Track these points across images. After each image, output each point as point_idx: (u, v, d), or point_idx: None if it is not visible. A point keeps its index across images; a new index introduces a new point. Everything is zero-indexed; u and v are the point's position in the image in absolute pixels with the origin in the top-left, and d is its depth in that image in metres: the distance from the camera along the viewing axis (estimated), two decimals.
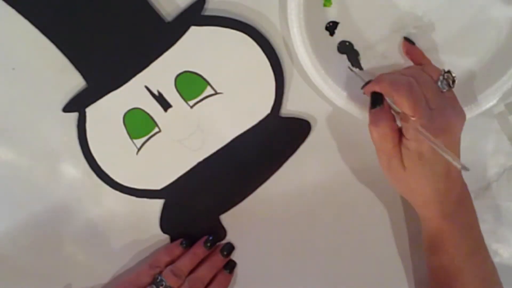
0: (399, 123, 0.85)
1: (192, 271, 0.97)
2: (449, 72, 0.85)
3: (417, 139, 0.81)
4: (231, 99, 0.94)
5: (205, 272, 0.97)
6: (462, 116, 0.85)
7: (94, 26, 0.90)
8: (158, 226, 1.00)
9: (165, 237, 1.01)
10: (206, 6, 0.90)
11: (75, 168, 0.97)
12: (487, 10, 0.90)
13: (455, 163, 0.77)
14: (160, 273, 0.94)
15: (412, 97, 0.80)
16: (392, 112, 0.86)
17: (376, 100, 0.85)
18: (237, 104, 0.95)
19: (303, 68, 0.90)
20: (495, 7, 0.90)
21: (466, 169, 0.76)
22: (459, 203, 0.88)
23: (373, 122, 0.85)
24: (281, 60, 0.93)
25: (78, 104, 0.93)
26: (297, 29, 0.88)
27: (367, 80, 0.88)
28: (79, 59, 0.91)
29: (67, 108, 0.93)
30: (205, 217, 1.01)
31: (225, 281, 1.00)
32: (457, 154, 0.86)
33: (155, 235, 1.00)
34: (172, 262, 0.97)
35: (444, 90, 0.84)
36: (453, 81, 0.85)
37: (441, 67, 0.88)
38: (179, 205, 1.00)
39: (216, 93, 0.94)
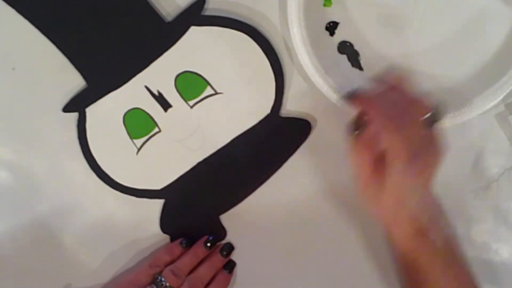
0: None
1: (192, 271, 0.97)
2: (436, 111, 0.84)
3: (397, 176, 0.81)
4: (231, 99, 0.94)
5: (204, 272, 0.97)
6: (440, 158, 0.84)
7: (94, 26, 0.90)
8: (158, 226, 1.00)
9: (165, 237, 1.00)
10: (206, 6, 0.91)
11: (75, 168, 0.97)
12: (487, 10, 0.90)
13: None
14: (160, 272, 0.94)
15: (401, 140, 0.80)
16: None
17: (361, 123, 0.84)
18: (237, 104, 0.95)
19: (303, 68, 0.90)
20: (495, 7, 0.90)
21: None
22: (431, 221, 0.88)
23: (355, 148, 0.86)
24: (281, 60, 0.93)
25: (78, 104, 0.94)
26: (297, 29, 0.88)
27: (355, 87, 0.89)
28: (79, 59, 0.92)
29: (67, 108, 0.94)
30: (205, 217, 1.00)
31: (225, 281, 0.99)
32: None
33: (155, 235, 1.00)
34: (172, 262, 0.97)
35: (428, 128, 0.84)
36: (437, 120, 0.84)
37: (440, 68, 0.89)
38: (179, 205, 1.00)
39: (216, 93, 0.94)
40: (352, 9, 0.92)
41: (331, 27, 0.92)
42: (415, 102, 0.84)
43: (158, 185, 0.98)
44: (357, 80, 0.92)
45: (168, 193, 0.99)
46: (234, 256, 1.00)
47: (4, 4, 0.87)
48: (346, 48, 0.93)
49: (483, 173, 0.98)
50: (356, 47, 0.93)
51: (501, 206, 0.98)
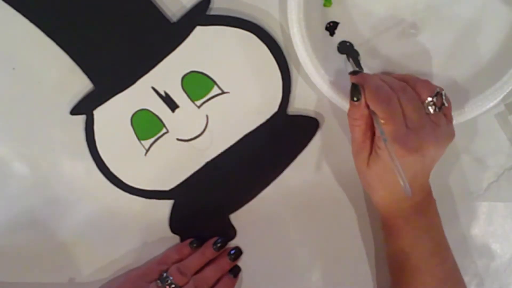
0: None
1: (198, 271, 0.97)
2: (440, 94, 0.85)
3: (386, 149, 0.82)
4: (238, 98, 0.95)
5: (211, 273, 0.98)
6: (441, 142, 0.85)
7: (99, 28, 0.92)
8: (167, 227, 1.00)
9: (175, 238, 1.01)
10: (211, 5, 0.92)
11: (83, 170, 0.97)
12: (487, 10, 0.91)
13: (404, 189, 0.79)
14: (167, 270, 0.95)
15: (388, 111, 0.81)
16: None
17: (355, 93, 0.85)
18: (245, 103, 0.96)
19: (303, 68, 0.91)
20: (494, 7, 0.91)
21: (409, 194, 0.79)
22: (416, 209, 0.89)
23: (350, 113, 0.87)
24: (287, 58, 0.94)
25: (86, 107, 0.95)
26: (297, 29, 0.89)
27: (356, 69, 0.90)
28: (85, 62, 0.93)
29: (75, 111, 0.94)
30: (215, 217, 1.01)
31: (230, 285, 1.00)
32: (424, 177, 0.88)
33: (165, 236, 1.00)
34: (180, 260, 0.97)
35: (431, 112, 0.84)
36: (442, 105, 0.85)
37: (440, 68, 0.91)
38: (188, 206, 1.00)
39: (223, 92, 0.95)
40: (352, 9, 0.92)
41: (331, 27, 0.93)
42: (416, 85, 0.86)
43: (167, 186, 0.98)
44: None
45: (177, 194, 0.99)
46: (244, 255, 1.01)
47: (10, 9, 0.90)
48: (346, 48, 0.94)
49: (483, 173, 0.98)
50: (356, 47, 0.94)
51: (501, 206, 0.98)
